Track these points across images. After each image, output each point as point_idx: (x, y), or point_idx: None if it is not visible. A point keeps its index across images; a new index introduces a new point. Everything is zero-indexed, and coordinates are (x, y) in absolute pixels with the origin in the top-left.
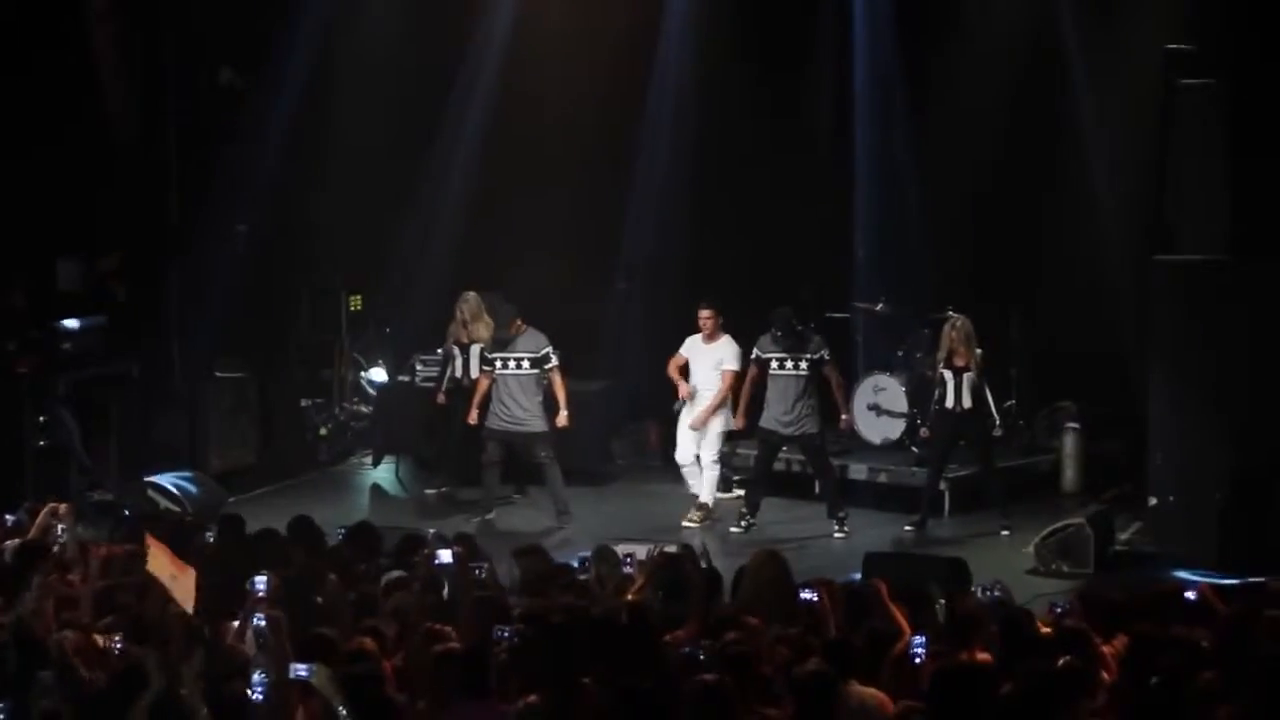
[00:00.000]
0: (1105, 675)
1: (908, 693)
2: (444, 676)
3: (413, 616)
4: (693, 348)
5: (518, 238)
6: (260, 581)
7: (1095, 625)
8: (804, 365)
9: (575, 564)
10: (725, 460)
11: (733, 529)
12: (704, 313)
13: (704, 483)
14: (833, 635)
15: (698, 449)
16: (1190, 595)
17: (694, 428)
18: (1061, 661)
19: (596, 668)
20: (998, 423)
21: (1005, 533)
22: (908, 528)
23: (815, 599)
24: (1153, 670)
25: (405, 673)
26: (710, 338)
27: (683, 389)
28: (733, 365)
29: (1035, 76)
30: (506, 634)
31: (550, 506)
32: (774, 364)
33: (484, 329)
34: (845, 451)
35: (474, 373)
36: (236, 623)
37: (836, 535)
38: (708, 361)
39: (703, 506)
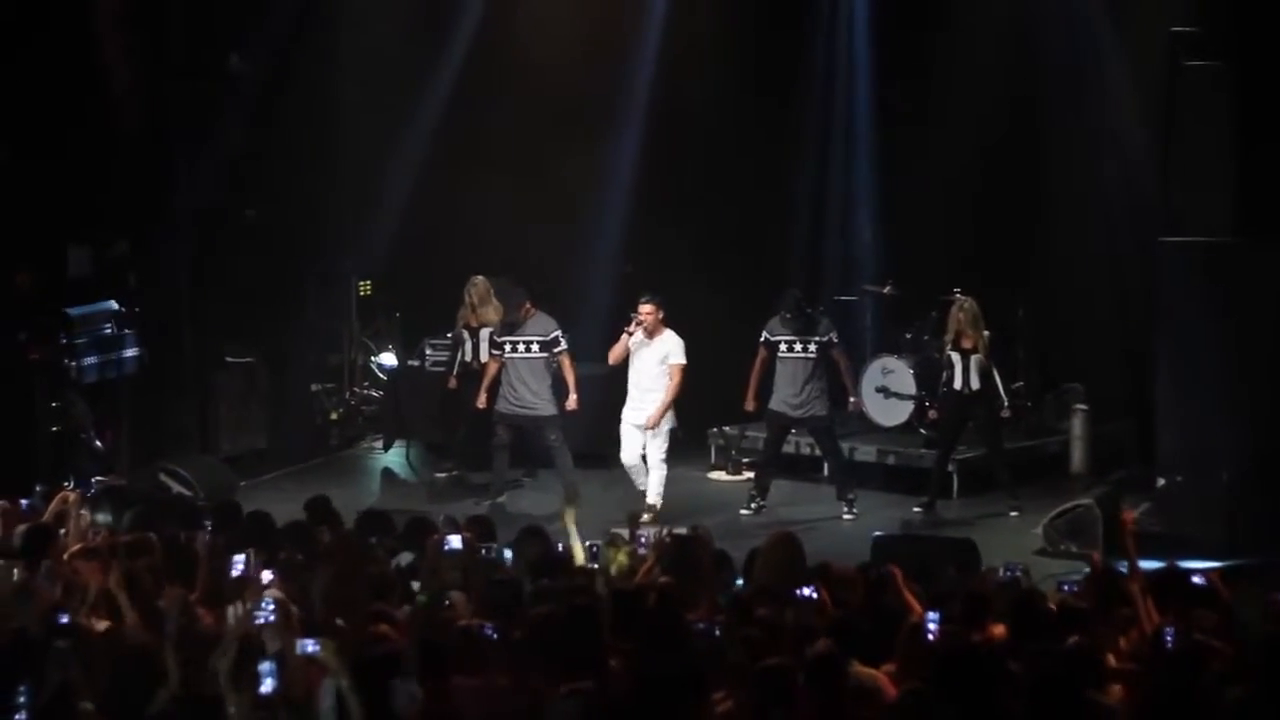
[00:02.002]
0: (1123, 643)
1: (920, 671)
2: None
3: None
4: (635, 343)
5: (525, 221)
6: (239, 560)
7: (1108, 605)
8: (812, 348)
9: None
10: (733, 443)
11: (743, 511)
12: (645, 308)
13: (651, 483)
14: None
15: (643, 449)
16: (1198, 580)
17: (649, 428)
18: (1072, 640)
19: (623, 649)
20: (1006, 404)
21: (1014, 514)
22: (916, 509)
23: (814, 595)
24: (1166, 652)
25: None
26: (652, 333)
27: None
28: (680, 359)
29: (1042, 59)
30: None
31: (560, 490)
32: (783, 346)
33: (493, 313)
34: (853, 433)
35: (483, 357)
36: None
37: (845, 517)
38: (652, 357)
39: (651, 508)
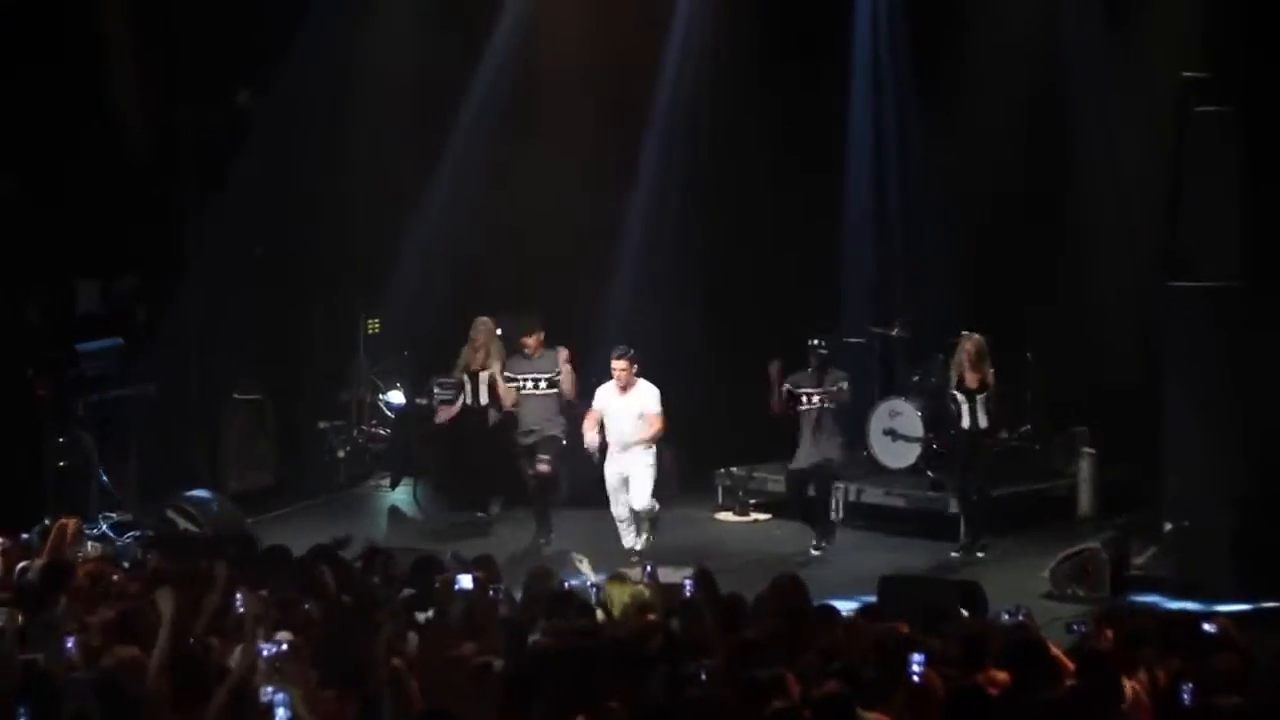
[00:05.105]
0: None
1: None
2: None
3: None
4: (608, 399)
5: (535, 261)
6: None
7: (1124, 647)
8: (820, 397)
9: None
10: (740, 483)
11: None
12: (618, 364)
13: (644, 524)
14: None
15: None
16: (1208, 627)
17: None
18: (1070, 684)
19: (618, 691)
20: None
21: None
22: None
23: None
24: (1181, 695)
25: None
26: (626, 387)
27: (589, 438)
28: (657, 408)
29: (1050, 103)
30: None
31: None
32: (803, 399)
33: (495, 358)
34: (861, 475)
35: (484, 399)
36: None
37: (813, 553)
38: (630, 411)
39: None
